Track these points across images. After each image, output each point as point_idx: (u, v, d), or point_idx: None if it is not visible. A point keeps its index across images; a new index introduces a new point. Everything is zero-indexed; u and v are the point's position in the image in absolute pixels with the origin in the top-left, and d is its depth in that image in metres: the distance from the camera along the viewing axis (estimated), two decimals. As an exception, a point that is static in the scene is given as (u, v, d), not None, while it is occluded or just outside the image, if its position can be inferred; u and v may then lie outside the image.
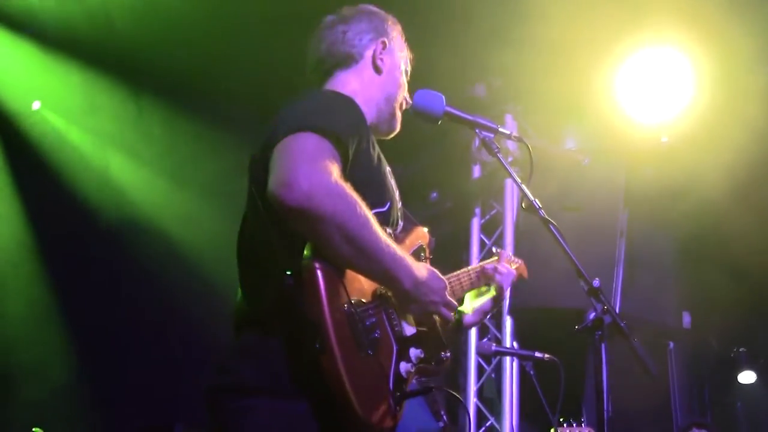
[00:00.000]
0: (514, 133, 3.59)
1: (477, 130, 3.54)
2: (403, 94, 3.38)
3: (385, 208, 3.01)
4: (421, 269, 2.88)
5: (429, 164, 8.46)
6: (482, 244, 8.36)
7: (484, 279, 3.65)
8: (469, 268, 3.66)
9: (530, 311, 7.76)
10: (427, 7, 6.72)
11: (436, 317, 2.97)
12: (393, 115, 3.35)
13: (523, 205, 3.43)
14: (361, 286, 2.81)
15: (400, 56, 3.40)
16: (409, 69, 3.47)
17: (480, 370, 8.15)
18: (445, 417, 6.43)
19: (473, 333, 8.13)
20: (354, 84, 3.23)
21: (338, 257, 2.68)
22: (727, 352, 10.10)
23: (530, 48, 7.04)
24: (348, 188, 2.67)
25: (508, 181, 8.15)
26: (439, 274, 2.99)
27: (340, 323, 2.64)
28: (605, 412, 3.13)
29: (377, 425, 2.69)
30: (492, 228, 8.33)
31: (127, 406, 7.56)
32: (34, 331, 7.65)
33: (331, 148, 2.73)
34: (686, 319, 9.49)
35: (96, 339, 7.84)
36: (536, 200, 3.39)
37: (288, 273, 2.67)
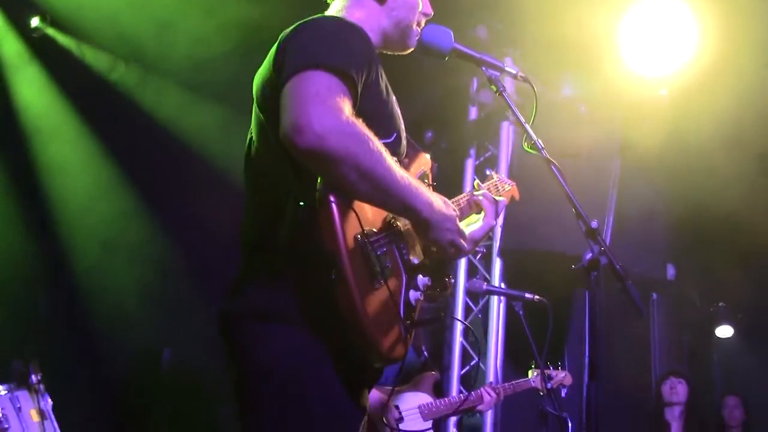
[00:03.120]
0: (520, 73, 3.60)
1: (483, 68, 3.55)
2: (418, 13, 3.33)
3: (391, 139, 3.03)
4: (437, 199, 2.93)
5: (425, 103, 8.41)
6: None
7: (475, 207, 3.66)
8: (459, 197, 3.60)
9: (520, 253, 7.82)
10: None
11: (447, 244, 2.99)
12: (404, 36, 3.32)
13: (526, 145, 3.44)
14: (371, 215, 2.85)
15: None
16: None
17: (467, 310, 8.23)
18: (426, 353, 6.54)
19: (462, 273, 8.19)
20: (357, 12, 3.21)
21: (355, 194, 2.72)
22: (707, 306, 10.23)
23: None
24: (360, 125, 2.69)
25: (504, 124, 8.18)
26: (452, 205, 3.03)
27: (355, 254, 2.69)
28: (586, 357, 3.18)
29: (389, 353, 2.77)
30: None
31: (115, 330, 7.54)
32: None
33: (341, 84, 2.74)
34: (670, 271, 9.62)
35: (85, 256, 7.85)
36: (539, 140, 3.42)
37: (301, 204, 2.72)
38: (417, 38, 3.39)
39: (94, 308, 7.63)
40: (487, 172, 4.03)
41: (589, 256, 3.29)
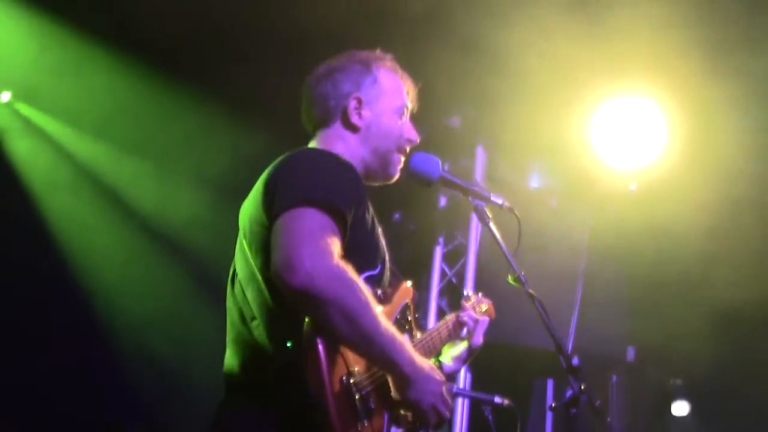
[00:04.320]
0: (506, 204, 3.65)
1: (469, 198, 3.60)
2: (399, 138, 3.38)
3: (376, 271, 3.07)
4: (422, 360, 2.94)
5: (395, 185, 8.46)
6: (443, 274, 8.40)
7: (460, 328, 3.70)
8: (446, 318, 3.73)
9: (488, 347, 7.83)
10: (409, 38, 6.74)
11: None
12: (386, 164, 3.37)
13: (510, 278, 3.48)
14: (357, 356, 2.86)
15: (392, 96, 3.38)
16: (409, 102, 3.46)
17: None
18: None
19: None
20: (338, 145, 3.26)
21: (339, 337, 2.74)
22: (665, 383, 10.34)
23: (507, 85, 7.11)
24: (349, 270, 2.73)
25: (474, 215, 8.18)
26: (437, 370, 3.03)
27: (340, 397, 2.71)
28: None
29: None
30: (454, 258, 8.36)
31: (75, 402, 7.43)
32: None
33: (332, 223, 2.80)
34: (630, 353, 9.74)
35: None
36: (522, 273, 3.46)
37: (288, 345, 2.72)
38: (400, 167, 3.44)
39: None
40: (465, 292, 4.10)
41: (569, 393, 3.32)
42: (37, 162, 7.55)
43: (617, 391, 9.75)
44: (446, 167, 8.09)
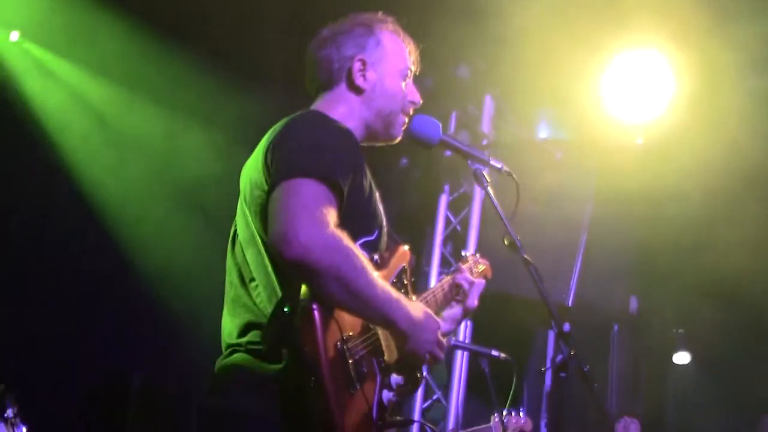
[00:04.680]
0: (504, 168, 3.68)
1: (468, 162, 3.64)
2: (403, 100, 3.43)
3: (373, 237, 3.14)
4: (417, 310, 3.02)
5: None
6: (448, 222, 8.46)
7: (455, 290, 3.75)
8: (442, 281, 3.73)
9: (489, 296, 7.91)
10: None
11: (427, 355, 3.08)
12: (389, 125, 3.42)
13: (506, 241, 3.53)
14: (352, 319, 2.94)
15: (395, 59, 3.42)
16: (412, 65, 3.49)
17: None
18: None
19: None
20: (340, 107, 3.30)
21: (336, 304, 2.83)
22: (667, 333, 10.41)
23: (516, 36, 7.11)
24: (344, 239, 2.81)
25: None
26: (433, 315, 3.12)
27: (334, 362, 2.80)
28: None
29: None
30: (459, 207, 8.41)
31: (82, 351, 7.46)
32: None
33: (328, 193, 2.86)
34: (633, 304, 9.81)
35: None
36: (518, 239, 3.51)
37: (285, 310, 2.80)
38: (403, 128, 3.48)
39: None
40: (463, 253, 4.14)
41: (559, 358, 3.40)
42: (49, 103, 7.53)
43: (618, 340, 9.85)
44: (454, 115, 8.32)
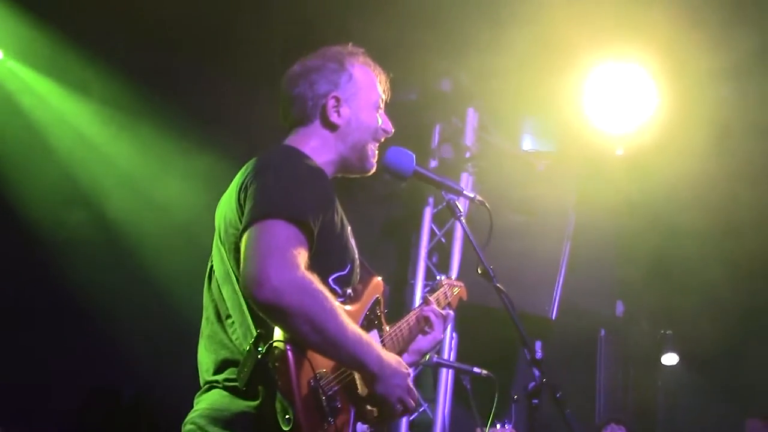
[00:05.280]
0: (477, 197, 3.75)
1: (442, 192, 3.71)
2: (377, 130, 3.49)
3: (345, 271, 3.21)
4: (388, 356, 3.10)
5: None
6: (432, 234, 8.54)
7: (423, 323, 3.78)
8: (408, 315, 3.77)
9: (476, 310, 7.97)
10: (402, 5, 6.80)
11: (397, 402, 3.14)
12: (363, 158, 3.47)
13: (479, 270, 3.59)
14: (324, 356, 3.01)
15: (368, 91, 3.48)
16: (383, 93, 3.54)
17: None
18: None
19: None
20: (313, 141, 3.36)
21: (308, 345, 2.89)
22: (654, 334, 10.46)
23: (497, 49, 7.18)
24: (314, 281, 2.87)
25: (463, 175, 8.29)
26: (403, 363, 3.18)
27: (308, 399, 2.87)
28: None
29: None
30: (443, 219, 8.47)
31: (70, 365, 7.56)
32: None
33: (298, 233, 2.92)
34: (619, 307, 9.87)
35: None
36: (491, 268, 3.57)
37: (260, 349, 2.87)
38: (375, 159, 3.54)
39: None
40: (438, 278, 4.20)
41: (532, 385, 3.46)
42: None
43: (605, 344, 9.90)
44: (438, 128, 8.37)
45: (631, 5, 6.97)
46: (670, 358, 10.22)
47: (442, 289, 4.04)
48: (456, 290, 4.14)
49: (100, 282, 7.71)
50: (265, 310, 2.82)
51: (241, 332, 3.01)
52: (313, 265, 2.95)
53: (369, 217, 7.95)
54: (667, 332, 10.38)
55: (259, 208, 2.95)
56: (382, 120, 3.52)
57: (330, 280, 3.09)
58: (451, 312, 3.90)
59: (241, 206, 3.05)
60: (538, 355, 3.46)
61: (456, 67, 8.02)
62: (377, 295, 3.40)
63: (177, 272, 7.58)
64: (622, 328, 10.02)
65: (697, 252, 8.33)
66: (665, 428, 9.90)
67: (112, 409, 7.80)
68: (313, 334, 2.84)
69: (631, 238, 8.89)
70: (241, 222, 3.00)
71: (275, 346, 2.86)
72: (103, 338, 7.59)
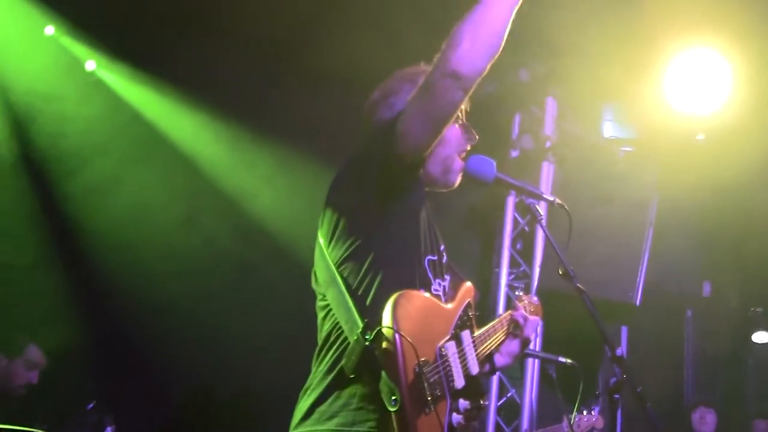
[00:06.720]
0: (557, 200, 3.88)
1: (522, 196, 3.86)
2: (459, 142, 3.62)
3: (435, 258, 3.45)
4: None
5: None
6: (516, 223, 8.66)
7: (513, 325, 3.92)
8: (501, 317, 3.93)
9: (557, 295, 8.06)
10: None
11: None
12: (447, 171, 3.61)
13: (560, 271, 3.73)
14: (427, 347, 3.21)
15: None
16: (462, 110, 3.63)
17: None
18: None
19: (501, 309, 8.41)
20: None
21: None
22: (744, 312, 10.41)
23: (575, 38, 7.25)
24: None
25: (544, 164, 8.35)
26: None
27: (413, 384, 3.09)
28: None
29: None
30: (526, 207, 8.54)
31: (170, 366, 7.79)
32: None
33: None
34: (706, 288, 9.85)
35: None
36: (571, 268, 3.71)
37: (367, 337, 3.10)
38: (460, 173, 3.68)
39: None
40: (518, 293, 4.33)
41: (613, 380, 3.59)
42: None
43: (692, 325, 9.91)
44: (517, 118, 8.46)
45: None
46: (761, 336, 10.18)
47: (522, 303, 4.16)
48: (533, 307, 4.22)
49: (206, 286, 8.00)
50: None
51: (347, 328, 3.21)
52: (412, 245, 3.24)
53: (452, 206, 8.10)
54: (758, 310, 10.34)
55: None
56: (464, 130, 3.65)
57: (426, 260, 3.33)
58: (538, 318, 4.02)
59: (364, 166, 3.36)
60: (623, 344, 3.59)
61: (533, 57, 8.08)
62: (469, 299, 3.58)
63: (272, 277, 7.86)
64: (710, 308, 10.01)
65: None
66: (756, 406, 9.89)
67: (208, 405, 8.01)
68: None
69: (715, 220, 8.90)
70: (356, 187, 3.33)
71: (384, 335, 3.07)
72: (204, 339, 7.84)
